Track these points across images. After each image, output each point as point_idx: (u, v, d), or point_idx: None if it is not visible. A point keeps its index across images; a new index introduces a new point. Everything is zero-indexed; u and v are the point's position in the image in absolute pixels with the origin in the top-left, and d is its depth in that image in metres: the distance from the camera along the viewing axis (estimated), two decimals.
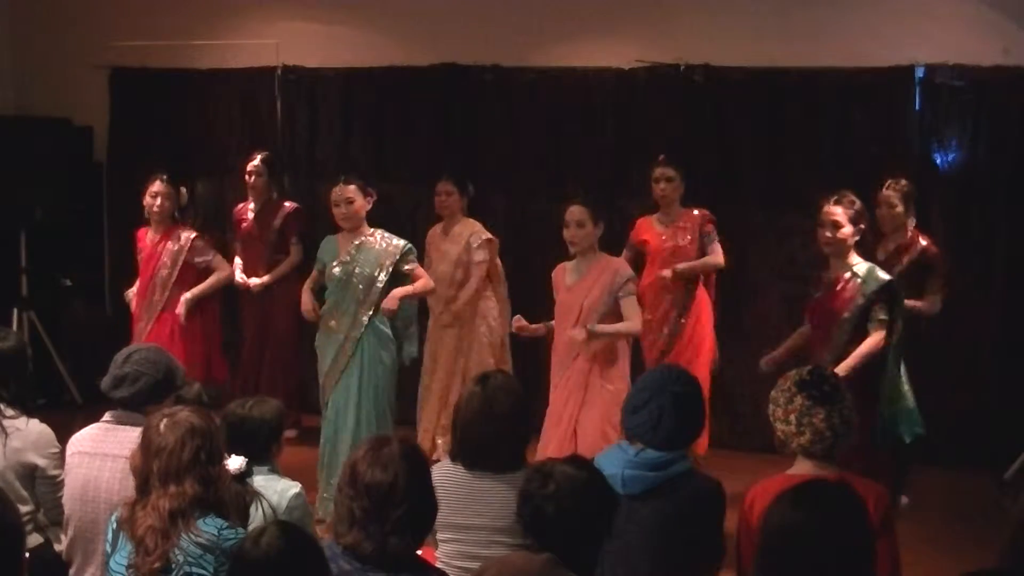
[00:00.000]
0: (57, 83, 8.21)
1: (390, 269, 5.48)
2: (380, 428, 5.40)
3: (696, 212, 6.17)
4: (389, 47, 7.57)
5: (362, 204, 5.53)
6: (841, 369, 4.51)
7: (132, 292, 6.27)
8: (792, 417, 3.21)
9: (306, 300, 5.65)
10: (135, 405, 3.70)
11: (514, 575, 2.69)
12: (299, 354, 6.90)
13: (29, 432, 3.99)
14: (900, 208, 5.71)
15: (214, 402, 4.01)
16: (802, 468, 3.21)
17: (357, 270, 5.49)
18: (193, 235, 6.17)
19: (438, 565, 3.30)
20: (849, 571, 2.56)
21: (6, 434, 3.94)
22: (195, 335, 6.20)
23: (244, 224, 6.99)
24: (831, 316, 4.84)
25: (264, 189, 6.95)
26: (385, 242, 5.54)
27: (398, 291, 5.49)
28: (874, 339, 4.74)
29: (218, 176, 7.88)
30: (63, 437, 3.93)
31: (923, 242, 5.71)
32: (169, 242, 6.13)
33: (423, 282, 5.62)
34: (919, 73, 6.59)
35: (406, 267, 5.54)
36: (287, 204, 7.05)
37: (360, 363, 5.47)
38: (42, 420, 4.10)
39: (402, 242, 5.58)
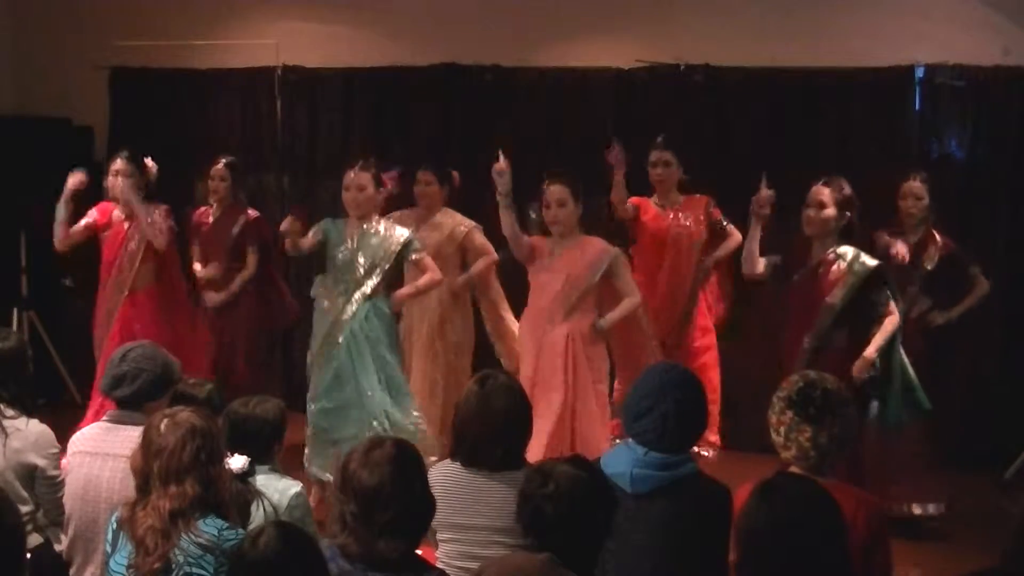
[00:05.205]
0: (57, 83, 8.21)
1: (392, 259, 5.40)
2: (400, 396, 5.37)
3: (697, 196, 6.19)
4: (389, 47, 7.57)
5: (373, 194, 5.42)
6: (870, 353, 4.68)
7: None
8: (782, 429, 3.22)
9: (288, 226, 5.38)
10: (136, 402, 3.71)
11: (514, 575, 2.69)
12: (269, 368, 6.50)
13: (29, 432, 4.00)
14: (926, 200, 5.65)
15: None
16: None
17: (361, 259, 5.39)
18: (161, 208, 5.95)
19: (438, 565, 3.30)
20: (820, 566, 2.56)
21: (6, 434, 3.95)
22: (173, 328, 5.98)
23: (204, 229, 6.60)
24: (813, 300, 4.79)
25: (227, 194, 6.55)
26: (388, 231, 5.46)
27: (403, 292, 5.46)
28: (892, 321, 4.77)
29: None
30: (63, 437, 3.93)
31: (939, 239, 5.64)
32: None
33: (428, 276, 5.51)
34: (919, 73, 6.59)
35: (413, 256, 5.46)
36: (250, 212, 6.56)
37: (350, 347, 5.33)
38: (42, 420, 4.11)
39: (405, 232, 5.49)
